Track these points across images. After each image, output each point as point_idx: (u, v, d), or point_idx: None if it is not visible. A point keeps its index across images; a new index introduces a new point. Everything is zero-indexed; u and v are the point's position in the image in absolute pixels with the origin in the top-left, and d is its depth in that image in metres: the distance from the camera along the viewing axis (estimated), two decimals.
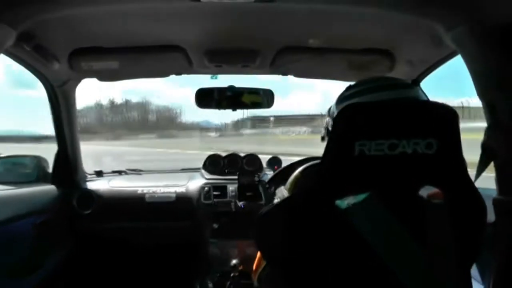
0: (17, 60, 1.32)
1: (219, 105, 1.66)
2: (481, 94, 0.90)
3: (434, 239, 0.66)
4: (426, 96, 0.79)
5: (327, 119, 0.87)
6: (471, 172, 0.78)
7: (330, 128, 0.84)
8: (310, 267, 0.71)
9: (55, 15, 0.97)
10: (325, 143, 0.73)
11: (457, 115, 0.68)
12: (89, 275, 1.81)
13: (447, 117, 0.68)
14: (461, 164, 0.71)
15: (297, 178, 1.00)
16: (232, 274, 1.63)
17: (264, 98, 1.70)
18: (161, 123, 20.89)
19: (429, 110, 0.70)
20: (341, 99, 0.81)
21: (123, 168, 2.03)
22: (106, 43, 1.33)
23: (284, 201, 0.88)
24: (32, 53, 1.24)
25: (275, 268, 0.85)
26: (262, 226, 0.79)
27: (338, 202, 0.66)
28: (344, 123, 0.68)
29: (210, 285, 1.71)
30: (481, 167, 0.90)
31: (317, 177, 0.73)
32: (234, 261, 1.67)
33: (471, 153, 0.82)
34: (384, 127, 0.66)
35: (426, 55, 1.33)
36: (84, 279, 1.79)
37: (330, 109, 0.89)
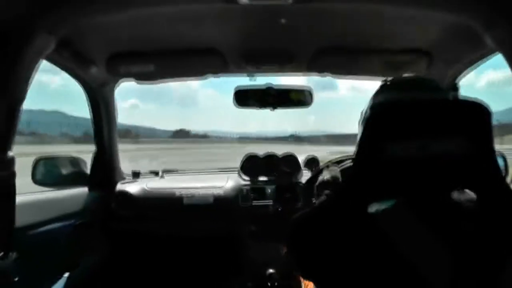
0: (57, 64, 1.34)
1: (258, 104, 1.62)
2: None
3: (465, 244, 0.63)
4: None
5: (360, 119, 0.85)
6: None
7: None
8: (341, 274, 0.70)
9: (92, 20, 0.98)
10: None
11: (489, 112, 0.64)
12: (125, 276, 1.83)
13: (479, 114, 0.64)
14: (494, 164, 0.67)
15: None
16: (269, 284, 1.65)
17: (304, 96, 1.64)
18: None
19: (460, 108, 0.66)
20: (372, 98, 0.79)
21: (159, 169, 2.02)
22: (143, 46, 1.34)
23: (316, 207, 0.88)
24: (71, 58, 1.28)
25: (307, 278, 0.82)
26: (294, 234, 0.78)
27: (368, 208, 0.65)
28: (374, 123, 0.65)
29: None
30: None
31: (349, 180, 0.72)
32: (270, 270, 1.67)
33: None
34: (416, 127, 0.64)
35: (464, 55, 1.31)
36: (119, 280, 1.81)
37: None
